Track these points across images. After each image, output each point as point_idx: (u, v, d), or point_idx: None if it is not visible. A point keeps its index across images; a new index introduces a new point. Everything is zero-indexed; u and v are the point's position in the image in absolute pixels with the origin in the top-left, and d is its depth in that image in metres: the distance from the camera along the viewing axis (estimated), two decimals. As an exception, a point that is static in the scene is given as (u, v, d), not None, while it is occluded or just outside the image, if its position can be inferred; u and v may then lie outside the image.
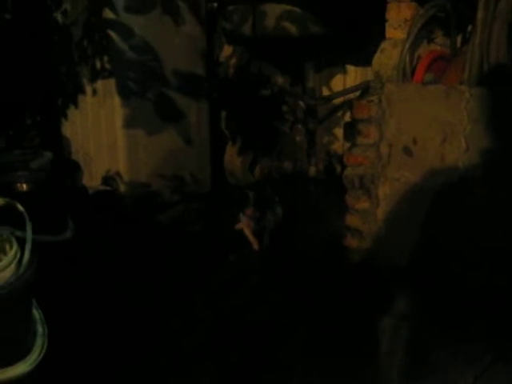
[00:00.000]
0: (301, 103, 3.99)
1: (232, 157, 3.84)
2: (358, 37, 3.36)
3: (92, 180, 3.43)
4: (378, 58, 2.53)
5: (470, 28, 2.41)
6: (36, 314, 1.39)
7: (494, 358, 1.74)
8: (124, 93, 3.13)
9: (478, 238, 2.06)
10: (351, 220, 2.52)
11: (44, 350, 1.33)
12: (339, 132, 3.91)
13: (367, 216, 2.46)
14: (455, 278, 2.11)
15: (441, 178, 2.17)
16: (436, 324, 1.96)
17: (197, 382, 1.79)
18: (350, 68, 3.93)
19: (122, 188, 3.26)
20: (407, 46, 2.40)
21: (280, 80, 3.94)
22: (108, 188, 3.30)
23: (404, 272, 2.32)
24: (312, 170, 4.02)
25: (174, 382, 1.80)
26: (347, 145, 2.60)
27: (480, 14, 2.14)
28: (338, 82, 3.99)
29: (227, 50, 3.81)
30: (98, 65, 3.14)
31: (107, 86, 3.17)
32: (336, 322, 2.12)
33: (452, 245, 2.16)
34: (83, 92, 3.32)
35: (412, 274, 2.28)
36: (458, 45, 2.55)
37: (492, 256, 2.02)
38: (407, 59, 2.41)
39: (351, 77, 3.94)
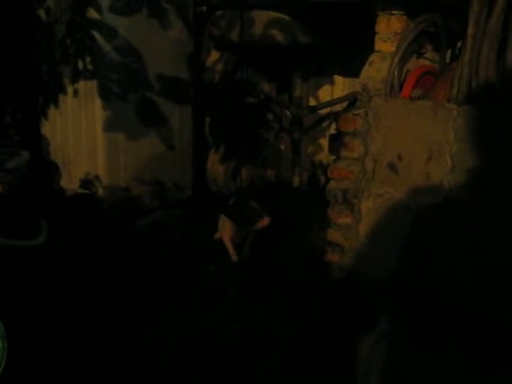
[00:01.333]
0: (287, 112, 3.95)
1: (215, 164, 3.77)
2: (347, 48, 3.33)
3: (70, 183, 3.35)
4: (366, 71, 2.50)
5: (459, 44, 2.39)
6: (-4, 328, 1.32)
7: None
8: (106, 95, 3.06)
9: (461, 258, 2.02)
10: (333, 235, 2.48)
11: (1, 367, 1.26)
12: (325, 142, 3.88)
13: (349, 231, 2.41)
14: (437, 298, 2.07)
15: (425, 196, 2.13)
16: (417, 345, 1.91)
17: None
18: (338, 79, 3.91)
19: (101, 192, 3.19)
20: (396, 59, 2.37)
21: (266, 88, 3.89)
22: (86, 191, 3.22)
23: (385, 290, 2.28)
24: (296, 180, 3.97)
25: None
26: (332, 157, 2.54)
27: (470, 31, 2.12)
28: (326, 93, 3.97)
29: (214, 55, 3.75)
30: (80, 65, 3.07)
31: (89, 87, 3.09)
32: (314, 338, 2.07)
33: (434, 264, 2.12)
34: (64, 92, 3.25)
35: (394, 292, 2.24)
36: (448, 60, 2.53)
37: (475, 277, 1.98)
38: (396, 73, 2.38)
39: (339, 88, 3.92)
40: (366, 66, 2.51)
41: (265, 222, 2.82)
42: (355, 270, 2.41)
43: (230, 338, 2.10)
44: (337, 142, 2.43)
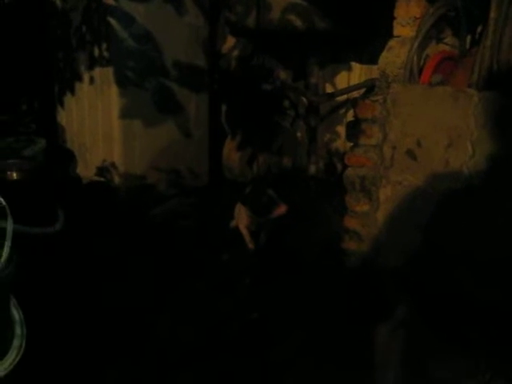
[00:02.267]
0: (303, 99, 3.91)
1: (231, 151, 3.75)
2: (365, 34, 3.28)
3: (86, 170, 3.36)
4: (384, 57, 2.45)
5: (480, 29, 2.34)
6: (15, 314, 1.32)
7: (493, 376, 1.68)
8: (122, 82, 3.05)
9: (481, 247, 1.99)
10: (350, 222, 2.45)
11: (21, 353, 1.26)
12: (341, 130, 3.84)
13: (367, 219, 2.38)
14: (457, 287, 2.04)
15: (445, 184, 2.10)
16: (435, 335, 1.89)
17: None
18: (355, 65, 3.87)
19: (117, 180, 3.19)
20: (416, 44, 2.32)
21: (283, 74, 3.85)
22: (102, 179, 3.23)
23: (403, 278, 2.25)
24: (312, 168, 3.94)
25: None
26: (349, 144, 2.51)
27: (492, 15, 2.06)
28: (342, 79, 3.92)
29: (230, 41, 3.72)
30: (97, 52, 3.06)
31: (105, 74, 3.09)
32: (331, 327, 2.05)
33: (455, 252, 2.09)
34: (80, 79, 3.25)
35: (411, 281, 2.21)
36: (468, 46, 2.48)
37: (495, 267, 1.95)
38: (415, 58, 2.33)
39: (355, 74, 3.87)
40: (385, 51, 2.46)
41: (282, 209, 2.80)
42: (372, 257, 2.39)
43: (246, 326, 2.09)
44: (355, 128, 2.39)
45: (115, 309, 2.14)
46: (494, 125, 1.97)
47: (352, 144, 2.46)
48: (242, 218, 2.84)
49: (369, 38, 3.14)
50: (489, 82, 2.10)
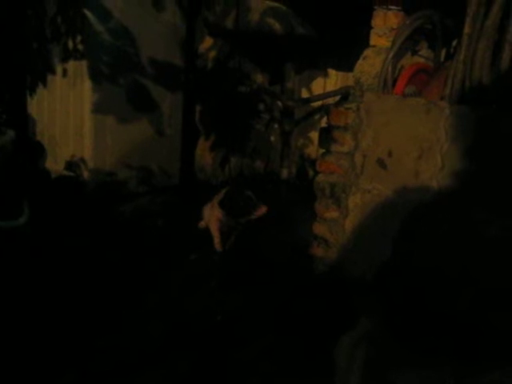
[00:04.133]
0: (278, 103, 3.91)
1: (203, 152, 3.73)
2: (342, 41, 3.30)
3: (56, 164, 3.31)
4: (360, 65, 2.47)
5: (455, 43, 2.37)
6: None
7: (454, 384, 1.70)
8: (96, 76, 3.00)
9: (448, 258, 2.01)
10: (318, 228, 2.46)
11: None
12: (315, 136, 3.86)
13: (335, 226, 2.39)
14: (422, 297, 2.06)
15: (414, 195, 2.12)
16: (399, 344, 1.90)
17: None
18: (332, 72, 3.89)
19: (86, 175, 3.14)
20: (391, 55, 2.34)
21: (259, 77, 3.85)
22: (71, 174, 3.17)
23: (369, 287, 2.27)
24: (284, 172, 3.95)
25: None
26: (321, 151, 2.52)
27: (466, 29, 2.10)
28: (318, 85, 3.94)
29: (208, 41, 3.70)
30: (71, 45, 3.01)
31: (78, 67, 3.04)
32: (294, 333, 2.05)
33: (421, 263, 2.11)
34: (53, 72, 3.19)
35: (377, 290, 2.23)
36: (442, 59, 2.51)
37: (461, 277, 1.98)
38: (389, 69, 2.35)
39: (332, 81, 3.90)
40: (360, 60, 2.49)
41: (262, 210, 2.77)
42: (339, 265, 2.40)
43: (211, 327, 2.07)
44: (327, 135, 2.41)
45: (80, 304, 2.10)
46: (464, 138, 1.99)
47: (324, 151, 2.47)
48: (213, 219, 2.80)
49: (346, 45, 3.15)
50: (461, 96, 2.13)
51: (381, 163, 2.22)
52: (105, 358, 1.83)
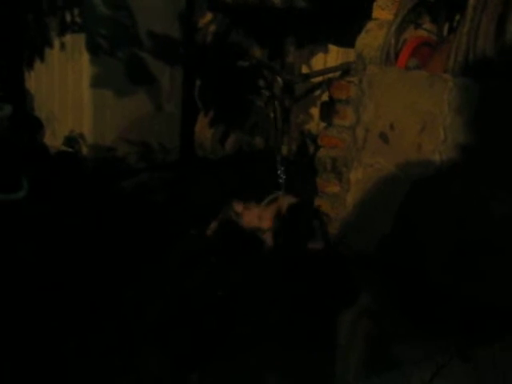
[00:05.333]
0: (278, 79, 3.87)
1: (203, 128, 3.71)
2: (344, 16, 3.26)
3: (54, 139, 3.28)
4: (362, 38, 2.44)
5: (458, 17, 2.34)
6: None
7: (452, 356, 1.70)
8: (94, 50, 2.96)
9: (450, 232, 2.01)
10: (320, 203, 2.45)
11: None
12: (315, 112, 3.82)
13: (336, 200, 2.38)
14: (422, 271, 2.06)
15: (416, 168, 2.10)
16: (400, 318, 1.90)
17: (143, 364, 1.69)
18: (332, 48, 3.84)
19: (85, 150, 3.12)
20: (393, 28, 2.31)
21: (259, 53, 3.81)
22: (70, 149, 3.15)
23: (370, 262, 2.26)
24: (284, 149, 3.92)
25: (121, 362, 1.70)
26: (323, 125, 2.50)
27: (471, 1, 2.06)
28: (319, 61, 3.90)
29: (207, 16, 3.65)
30: (68, 18, 2.96)
31: (76, 41, 2.99)
32: (296, 309, 2.05)
33: (423, 237, 2.10)
34: (51, 46, 3.14)
35: (378, 265, 2.23)
36: (446, 33, 2.48)
37: (464, 251, 1.97)
38: (392, 42, 2.32)
39: (332, 56, 3.85)
40: (363, 33, 2.45)
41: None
42: (340, 239, 2.39)
43: (211, 303, 2.07)
44: (328, 108, 2.38)
45: (77, 282, 2.09)
46: (467, 111, 1.97)
47: (325, 124, 2.45)
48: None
49: (348, 20, 3.11)
50: (464, 69, 2.10)
51: (383, 137, 2.20)
52: (103, 335, 1.82)
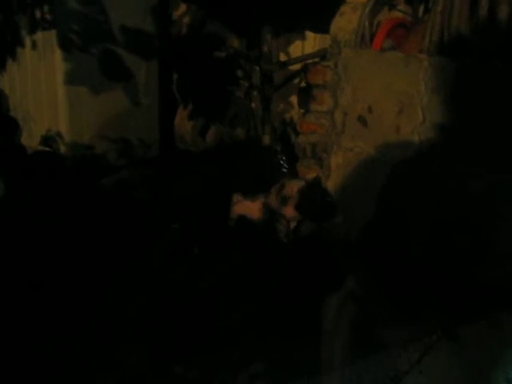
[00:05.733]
0: (257, 68, 3.83)
1: (183, 121, 3.66)
2: (320, 1, 3.23)
3: (31, 140, 3.22)
4: (336, 22, 2.43)
5: (432, -4, 2.32)
6: None
7: (440, 336, 1.70)
8: (66, 46, 2.90)
9: (431, 212, 2.00)
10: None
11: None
12: (295, 100, 3.79)
13: (318, 187, 2.37)
14: (405, 253, 2.06)
15: (395, 150, 2.10)
16: (384, 301, 1.90)
17: (126, 359, 1.66)
18: (310, 34, 3.81)
19: (63, 149, 3.07)
20: (367, 10, 2.30)
21: (236, 43, 3.77)
22: (48, 149, 3.10)
23: (354, 247, 2.26)
24: (266, 139, 3.89)
25: (102, 357, 1.67)
26: (301, 111, 2.49)
27: (444, -20, 2.05)
28: (297, 49, 3.87)
29: (181, 7, 3.61)
30: (38, 15, 2.90)
31: (48, 38, 2.93)
32: (282, 297, 2.03)
33: (404, 219, 2.10)
34: (22, 44, 3.08)
35: (362, 250, 2.22)
36: (421, 13, 2.47)
37: (447, 232, 1.97)
38: (367, 24, 2.31)
39: (310, 44, 3.83)
40: (337, 16, 2.44)
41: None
42: (323, 226, 2.38)
43: (194, 296, 2.05)
44: (306, 94, 2.37)
45: (58, 277, 2.06)
46: (444, 90, 1.96)
47: (303, 111, 2.43)
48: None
49: (323, 7, 3.08)
50: (440, 48, 2.10)
51: (361, 120, 2.19)
52: (84, 333, 1.79)
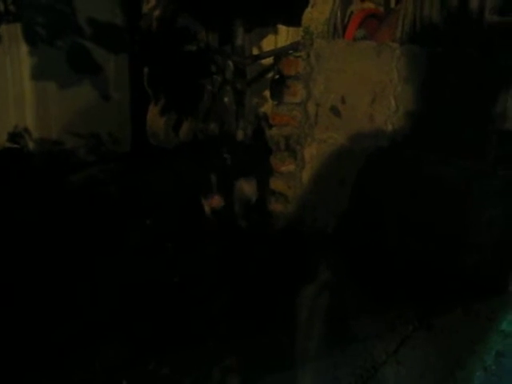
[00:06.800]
0: (229, 63, 3.79)
1: (155, 116, 3.60)
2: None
3: (-2, 137, 3.13)
4: (308, 13, 2.40)
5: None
6: None
7: (416, 326, 1.69)
8: (32, 40, 2.81)
9: (405, 201, 1.99)
10: (276, 183, 2.40)
11: None
12: (269, 94, 3.77)
13: (292, 179, 2.34)
14: (382, 244, 2.04)
15: (369, 140, 2.08)
16: (360, 292, 1.88)
17: (98, 355, 1.61)
18: (282, 28, 3.79)
19: (31, 146, 2.98)
20: (339, 0, 2.27)
21: (208, 37, 3.72)
22: (15, 146, 3.01)
23: (329, 239, 2.24)
24: (240, 134, 3.85)
25: (77, 356, 1.62)
26: (274, 104, 2.45)
27: (415, -32, 2.04)
28: (269, 43, 3.84)
29: (151, 0, 3.54)
30: (2, 7, 2.81)
31: (12, 31, 2.84)
32: (256, 290, 2.00)
33: (379, 208, 2.08)
34: (-15, 39, 2.98)
35: (338, 241, 2.20)
36: (392, 5, 2.46)
37: (421, 222, 1.96)
38: (339, 14, 2.29)
39: (283, 37, 3.80)
40: (309, 7, 2.41)
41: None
42: (299, 219, 2.36)
43: (167, 290, 2.01)
44: (278, 86, 2.34)
45: (27, 276, 1.99)
46: (417, 78, 1.95)
47: (276, 103, 2.40)
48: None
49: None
50: (412, 38, 2.09)
51: (335, 111, 2.16)
52: (58, 332, 1.74)
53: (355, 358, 1.55)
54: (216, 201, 2.68)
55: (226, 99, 3.88)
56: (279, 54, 3.24)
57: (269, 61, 3.75)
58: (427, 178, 1.95)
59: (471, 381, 1.43)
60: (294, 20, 3.62)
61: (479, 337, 1.61)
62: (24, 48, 2.83)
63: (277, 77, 2.41)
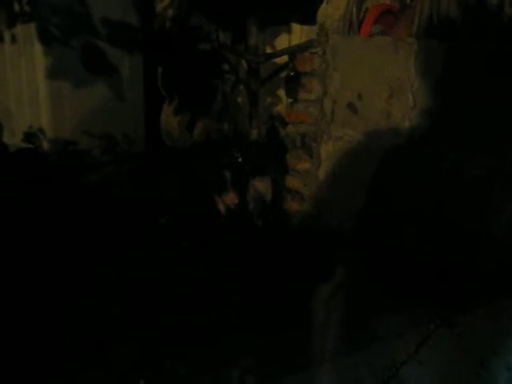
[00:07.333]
0: (243, 62, 3.78)
1: (169, 116, 3.59)
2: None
3: (13, 137, 3.14)
4: (323, 9, 2.38)
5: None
6: None
7: (437, 325, 1.66)
8: (46, 40, 2.82)
9: (425, 199, 1.96)
10: (291, 181, 2.38)
11: None
12: (283, 94, 3.74)
13: (308, 177, 2.32)
14: (400, 241, 2.01)
15: (386, 137, 2.05)
16: (379, 291, 1.85)
17: (114, 354, 1.60)
18: (296, 27, 3.76)
19: (46, 146, 2.99)
20: (354, -5, 2.25)
21: (221, 36, 3.71)
22: (30, 146, 3.02)
23: (346, 237, 2.21)
24: (253, 133, 3.84)
25: (94, 356, 1.61)
26: (289, 101, 2.43)
27: (432, -37, 2.01)
28: (283, 42, 3.81)
29: (165, 0, 3.53)
30: (17, 7, 2.82)
31: (27, 31, 2.84)
32: (272, 290, 1.98)
33: (398, 207, 2.05)
34: (1, 39, 2.99)
35: (354, 240, 2.17)
36: (408, 0, 2.42)
37: (438, 219, 1.93)
38: (354, 10, 2.26)
39: (296, 36, 3.77)
40: (324, 4, 2.39)
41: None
42: (315, 217, 2.33)
43: (183, 289, 1.99)
44: (294, 83, 2.32)
45: (37, 279, 1.99)
46: (435, 73, 1.92)
47: (292, 100, 2.38)
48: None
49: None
50: (429, 33, 2.05)
51: (351, 107, 2.14)
52: (69, 333, 1.73)
53: (375, 357, 1.52)
54: (230, 198, 2.67)
55: (239, 98, 3.87)
56: (294, 52, 3.22)
57: (282, 59, 3.73)
58: (447, 175, 1.92)
59: (497, 381, 1.39)
60: (307, 18, 3.60)
61: (502, 336, 1.58)
62: (39, 48, 2.84)
63: (292, 74, 2.38)
